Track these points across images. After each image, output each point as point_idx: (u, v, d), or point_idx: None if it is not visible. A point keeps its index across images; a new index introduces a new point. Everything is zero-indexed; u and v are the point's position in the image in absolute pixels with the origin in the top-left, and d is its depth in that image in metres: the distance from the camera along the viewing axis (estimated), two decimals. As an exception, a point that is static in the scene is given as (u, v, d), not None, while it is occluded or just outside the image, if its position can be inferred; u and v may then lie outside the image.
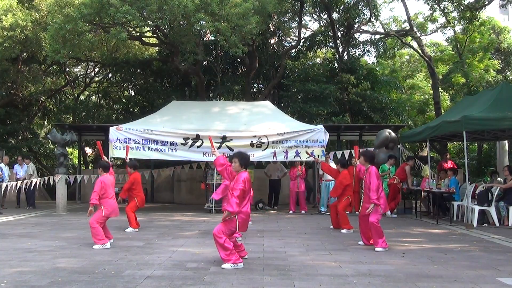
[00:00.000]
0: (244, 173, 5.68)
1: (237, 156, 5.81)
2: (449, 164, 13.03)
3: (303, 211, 12.82)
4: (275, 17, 19.60)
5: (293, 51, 20.90)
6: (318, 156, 12.34)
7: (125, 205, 9.41)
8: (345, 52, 20.66)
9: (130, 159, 10.50)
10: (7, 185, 12.95)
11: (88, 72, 23.79)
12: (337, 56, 20.68)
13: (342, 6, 20.03)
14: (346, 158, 13.65)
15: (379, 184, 7.04)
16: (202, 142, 12.20)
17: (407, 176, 12.09)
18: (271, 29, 20.36)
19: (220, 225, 5.64)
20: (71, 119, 22.76)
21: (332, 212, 9.44)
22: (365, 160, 7.31)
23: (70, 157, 24.31)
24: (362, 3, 19.74)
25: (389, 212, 11.73)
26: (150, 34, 17.02)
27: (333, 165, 11.54)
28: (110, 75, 22.83)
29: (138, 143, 12.21)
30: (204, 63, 19.48)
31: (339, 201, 9.20)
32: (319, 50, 22.25)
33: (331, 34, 20.04)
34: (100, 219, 7.11)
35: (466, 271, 5.51)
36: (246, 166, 5.80)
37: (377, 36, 21.29)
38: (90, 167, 22.07)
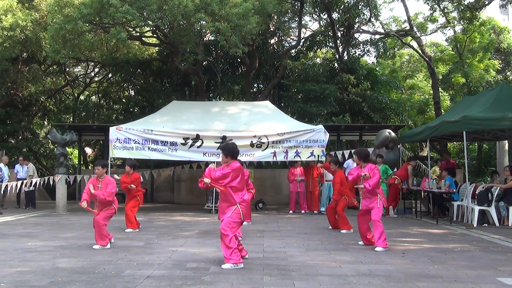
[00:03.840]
0: (235, 163, 5.75)
1: (221, 150, 6.05)
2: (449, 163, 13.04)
3: (303, 211, 12.82)
4: (275, 17, 19.59)
5: (293, 51, 20.89)
6: (318, 156, 12.36)
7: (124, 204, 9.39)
8: (345, 52, 20.65)
9: (130, 159, 10.49)
10: (7, 185, 12.95)
11: (88, 72, 23.79)
12: (337, 56, 20.67)
13: (342, 6, 20.03)
14: (346, 158, 13.71)
15: (379, 180, 7.11)
16: (202, 142, 12.21)
17: (409, 176, 12.12)
18: (271, 29, 20.35)
19: (226, 221, 5.65)
20: (71, 119, 22.76)
21: (330, 213, 9.42)
22: (359, 159, 7.35)
23: (70, 157, 24.30)
24: (362, 3, 19.74)
25: (392, 212, 11.87)
26: (150, 34, 17.02)
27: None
28: (110, 75, 22.84)
29: (138, 143, 12.21)
30: (204, 63, 19.48)
31: (336, 202, 9.21)
32: (319, 50, 22.24)
33: (331, 34, 20.04)
34: (109, 218, 7.14)
35: (466, 271, 5.51)
36: (232, 155, 5.83)
37: (377, 36, 21.28)
38: (90, 167, 22.06)
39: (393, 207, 12.20)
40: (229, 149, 5.90)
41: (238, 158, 6.02)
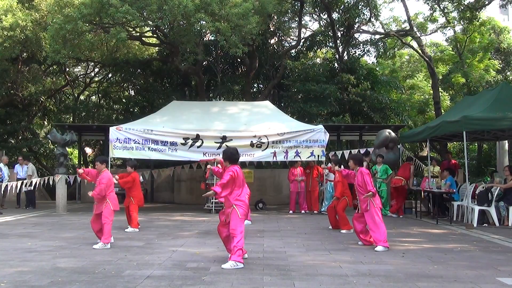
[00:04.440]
0: (232, 167, 5.81)
1: (222, 155, 6.04)
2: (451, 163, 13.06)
3: (303, 211, 12.82)
4: (275, 17, 19.60)
5: (293, 51, 20.90)
6: (318, 156, 12.36)
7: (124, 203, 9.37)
8: (345, 52, 20.65)
9: (130, 159, 10.50)
10: (7, 185, 12.95)
11: (88, 72, 23.80)
12: (337, 56, 20.67)
13: (342, 6, 20.03)
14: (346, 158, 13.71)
15: (371, 182, 7.27)
16: (202, 142, 12.22)
17: (410, 175, 12.14)
18: (271, 29, 20.36)
19: (230, 225, 5.72)
20: (71, 119, 22.77)
21: (330, 213, 9.44)
22: (354, 164, 7.56)
23: (70, 157, 24.30)
24: (362, 3, 19.74)
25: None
26: (150, 34, 17.02)
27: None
28: (110, 75, 22.85)
29: (138, 143, 12.22)
30: (204, 63, 19.48)
31: (337, 202, 9.21)
32: (319, 50, 22.24)
33: (331, 34, 20.04)
34: (112, 215, 7.14)
35: (466, 271, 5.51)
36: (231, 160, 5.89)
37: (377, 36, 21.28)
38: (90, 167, 22.05)
39: (401, 209, 12.24)
40: (227, 153, 5.95)
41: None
